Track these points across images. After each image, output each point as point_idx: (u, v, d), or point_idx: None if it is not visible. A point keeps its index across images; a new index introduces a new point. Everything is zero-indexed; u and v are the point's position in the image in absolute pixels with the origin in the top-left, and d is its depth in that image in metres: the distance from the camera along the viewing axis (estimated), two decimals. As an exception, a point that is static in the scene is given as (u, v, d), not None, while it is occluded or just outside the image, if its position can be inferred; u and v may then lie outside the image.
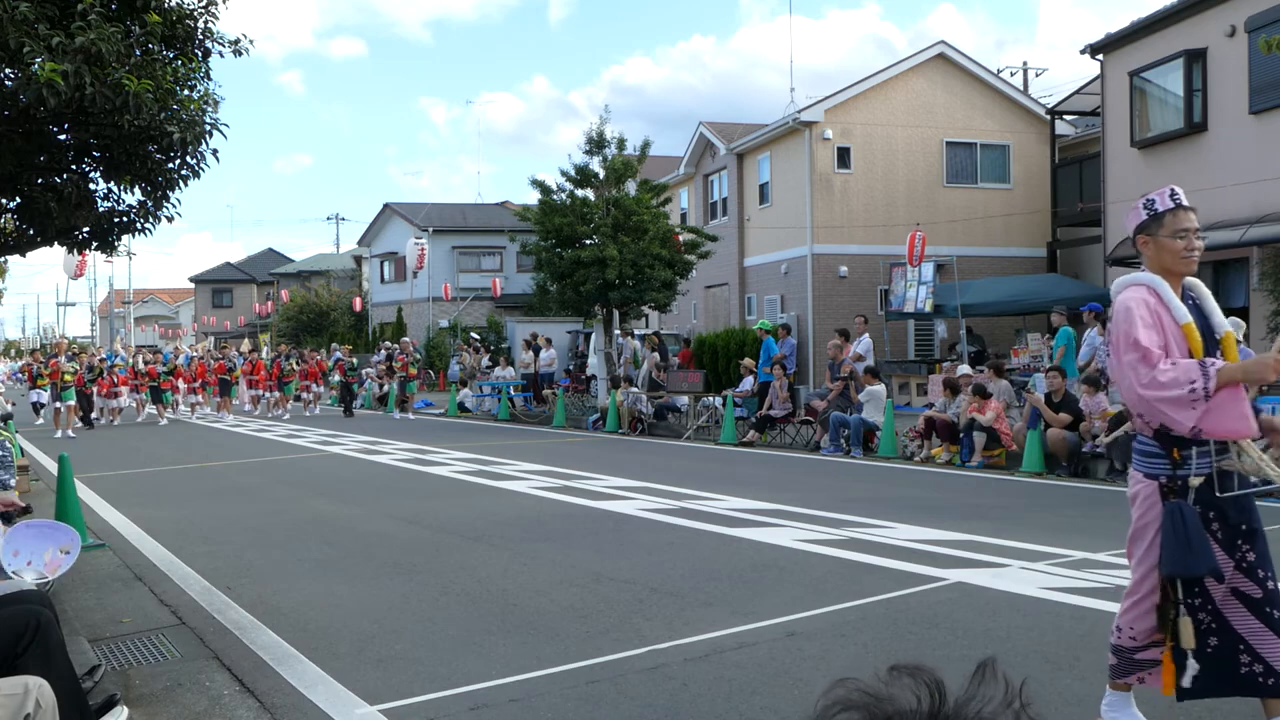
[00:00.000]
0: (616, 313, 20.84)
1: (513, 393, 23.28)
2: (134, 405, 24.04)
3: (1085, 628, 4.90)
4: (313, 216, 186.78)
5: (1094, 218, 19.27)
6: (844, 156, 22.30)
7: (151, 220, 7.47)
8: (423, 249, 29.81)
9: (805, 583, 5.95)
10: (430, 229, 36.43)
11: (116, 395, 22.42)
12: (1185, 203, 3.36)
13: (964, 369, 14.81)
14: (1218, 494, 3.20)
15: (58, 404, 19.89)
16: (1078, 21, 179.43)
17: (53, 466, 12.37)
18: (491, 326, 35.96)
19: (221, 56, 6.82)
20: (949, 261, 19.75)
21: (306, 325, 45.36)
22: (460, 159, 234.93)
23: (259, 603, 5.78)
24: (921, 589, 5.72)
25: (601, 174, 20.16)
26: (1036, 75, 32.62)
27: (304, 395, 25.34)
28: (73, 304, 76.18)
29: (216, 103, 6.66)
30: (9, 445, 7.21)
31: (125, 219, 7.50)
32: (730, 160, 25.80)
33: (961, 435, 12.08)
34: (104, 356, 24.16)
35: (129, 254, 52.37)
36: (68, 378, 19.69)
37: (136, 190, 7.15)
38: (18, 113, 5.92)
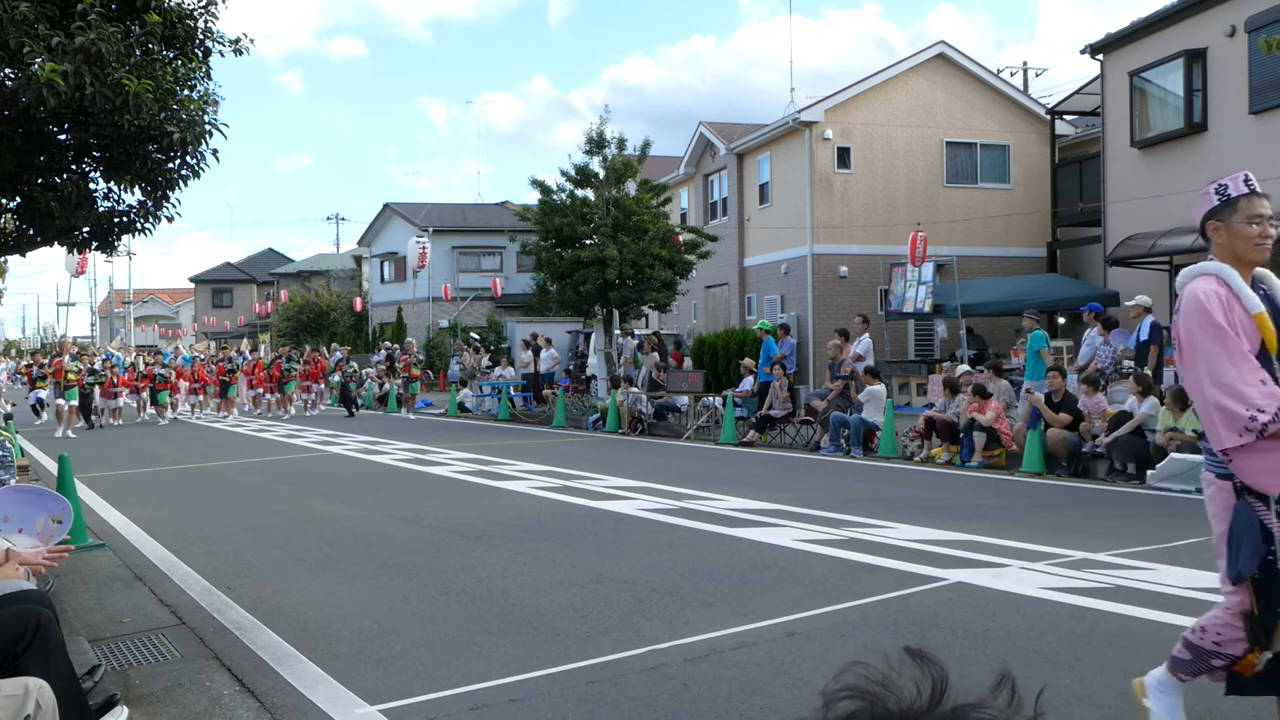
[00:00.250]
0: (616, 313, 20.85)
1: (513, 393, 23.29)
2: (134, 405, 24.06)
3: (1085, 628, 4.90)
4: (313, 216, 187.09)
5: (1094, 218, 19.26)
6: (844, 156, 22.30)
7: (151, 220, 7.49)
8: (424, 248, 29.79)
9: (805, 583, 5.95)
10: (430, 229, 36.40)
11: (116, 395, 22.44)
12: (1259, 189, 3.18)
13: (963, 369, 14.81)
14: None
15: (60, 400, 19.99)
16: (1078, 21, 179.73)
17: (53, 466, 12.37)
18: (491, 326, 35.97)
19: (222, 56, 6.85)
20: (949, 261, 19.73)
21: (306, 325, 45.36)
22: (460, 159, 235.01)
23: (259, 603, 5.78)
24: (921, 589, 5.72)
25: (601, 174, 20.17)
26: (1036, 75, 32.67)
27: (305, 395, 25.36)
28: (73, 304, 76.21)
29: (216, 103, 6.68)
30: (9, 445, 7.20)
31: (125, 219, 7.51)
32: (730, 160, 25.80)
33: (961, 435, 12.08)
34: (106, 356, 24.17)
35: (129, 254, 52.56)
36: (71, 377, 19.74)
37: (136, 190, 7.18)
38: (18, 113, 5.93)
